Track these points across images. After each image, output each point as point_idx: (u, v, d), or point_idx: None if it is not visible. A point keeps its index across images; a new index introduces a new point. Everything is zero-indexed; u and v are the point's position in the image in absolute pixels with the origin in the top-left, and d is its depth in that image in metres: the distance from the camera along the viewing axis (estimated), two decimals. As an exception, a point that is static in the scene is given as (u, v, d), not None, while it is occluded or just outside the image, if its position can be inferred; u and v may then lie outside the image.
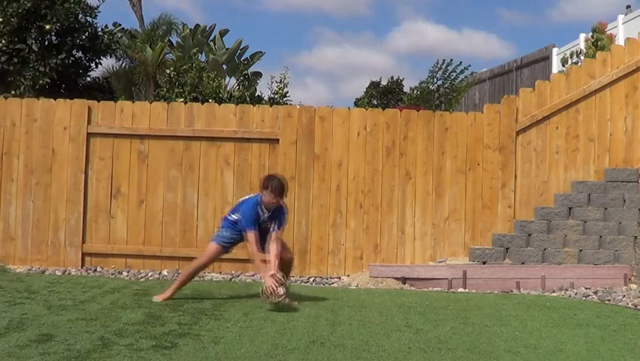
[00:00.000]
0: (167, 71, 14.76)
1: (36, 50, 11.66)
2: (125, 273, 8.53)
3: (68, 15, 11.89)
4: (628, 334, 5.61)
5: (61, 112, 8.95)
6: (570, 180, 8.76)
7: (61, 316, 5.65)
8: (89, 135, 8.88)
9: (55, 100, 9.12)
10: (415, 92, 17.79)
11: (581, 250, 8.39)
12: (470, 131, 8.83)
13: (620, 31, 14.89)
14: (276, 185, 6.58)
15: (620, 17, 15.54)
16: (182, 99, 12.53)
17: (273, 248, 6.49)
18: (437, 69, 16.88)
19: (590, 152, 8.83)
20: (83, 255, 8.78)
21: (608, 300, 7.34)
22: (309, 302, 6.71)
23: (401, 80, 24.00)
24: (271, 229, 6.62)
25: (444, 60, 16.95)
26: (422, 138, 8.83)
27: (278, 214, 6.69)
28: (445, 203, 8.78)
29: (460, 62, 17.03)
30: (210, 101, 12.46)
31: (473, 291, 7.95)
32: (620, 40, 12.86)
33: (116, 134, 8.88)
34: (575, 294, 7.75)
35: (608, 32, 14.19)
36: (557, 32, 63.79)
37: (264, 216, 6.64)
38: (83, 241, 8.79)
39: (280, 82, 15.41)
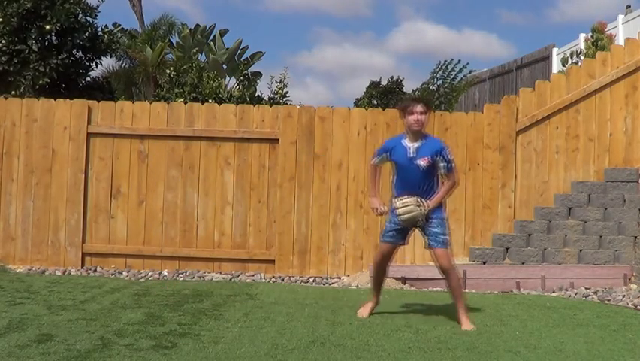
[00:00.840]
0: (167, 71, 14.76)
1: (36, 50, 11.64)
2: (125, 273, 8.54)
3: (68, 15, 11.88)
4: (628, 334, 5.61)
5: (61, 112, 8.96)
6: (570, 180, 8.77)
7: (61, 316, 5.65)
8: (89, 135, 8.89)
9: (55, 100, 9.12)
10: (416, 93, 17.80)
11: (581, 250, 8.40)
12: (470, 131, 8.84)
13: (620, 31, 14.89)
14: (409, 97, 5.76)
15: (620, 17, 15.54)
16: (181, 99, 12.53)
17: (444, 187, 5.79)
18: (438, 70, 16.92)
19: (590, 152, 8.84)
20: (83, 255, 8.79)
21: (608, 300, 7.35)
22: (309, 302, 6.71)
23: (401, 80, 23.96)
24: (441, 169, 5.72)
25: (445, 60, 17.00)
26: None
27: (433, 150, 5.69)
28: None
29: (459, 61, 17.08)
30: (210, 101, 12.45)
31: (473, 291, 7.96)
32: (620, 41, 12.86)
33: (116, 134, 8.88)
34: (575, 294, 7.75)
35: (608, 32, 14.20)
36: (558, 32, 63.77)
37: (411, 150, 5.68)
38: (83, 241, 8.80)
39: (280, 82, 15.41)
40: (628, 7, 16.78)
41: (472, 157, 8.81)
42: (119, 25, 22.02)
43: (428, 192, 5.73)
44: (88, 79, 13.45)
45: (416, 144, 5.71)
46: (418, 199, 5.67)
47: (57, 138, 8.90)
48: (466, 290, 8.00)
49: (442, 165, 5.71)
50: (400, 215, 5.69)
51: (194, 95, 13.26)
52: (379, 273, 6.10)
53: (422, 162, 5.65)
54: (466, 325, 5.62)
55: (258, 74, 21.73)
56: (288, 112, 8.97)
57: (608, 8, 45.85)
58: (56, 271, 8.47)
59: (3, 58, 11.58)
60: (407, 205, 5.66)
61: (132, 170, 8.88)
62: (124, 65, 22.10)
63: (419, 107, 5.70)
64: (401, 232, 5.88)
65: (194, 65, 14.63)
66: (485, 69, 21.17)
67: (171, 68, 14.90)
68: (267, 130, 8.86)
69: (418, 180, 5.70)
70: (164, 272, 8.60)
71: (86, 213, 8.83)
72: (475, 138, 8.82)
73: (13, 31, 11.69)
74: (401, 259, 8.71)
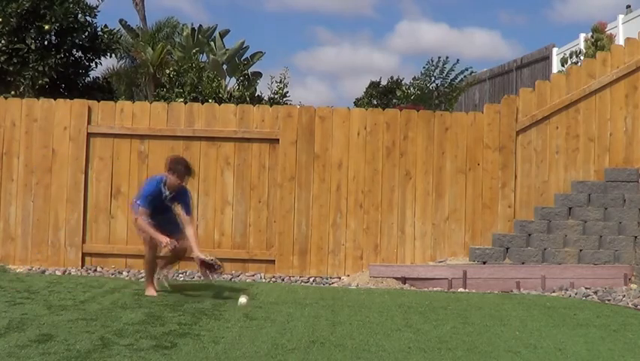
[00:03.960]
0: (167, 71, 14.76)
1: (34, 49, 11.60)
2: (125, 273, 8.52)
3: (67, 15, 11.85)
4: (628, 334, 5.61)
5: (62, 112, 8.93)
6: (570, 180, 8.76)
7: (61, 316, 5.65)
8: (89, 135, 8.85)
9: (55, 100, 9.10)
10: (413, 89, 17.64)
11: (581, 250, 8.39)
12: (470, 131, 8.82)
13: (620, 31, 14.89)
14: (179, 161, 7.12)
15: (620, 17, 15.53)
16: (181, 99, 12.52)
17: None
18: (433, 67, 16.76)
19: (590, 152, 8.83)
20: (83, 255, 8.76)
21: (608, 300, 7.34)
22: (309, 302, 6.71)
23: (401, 80, 23.97)
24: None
25: (439, 58, 16.80)
26: (422, 137, 8.83)
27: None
28: (445, 203, 8.78)
29: (458, 60, 16.99)
30: (210, 101, 12.46)
31: (474, 291, 7.95)
32: (620, 41, 12.85)
33: (116, 134, 8.86)
34: (575, 294, 7.75)
35: (608, 32, 14.20)
36: (558, 32, 63.76)
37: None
38: (83, 241, 8.78)
39: (280, 82, 15.40)
40: (628, 7, 16.79)
41: (472, 157, 8.79)
42: (125, 21, 22.02)
43: None
44: (88, 79, 13.41)
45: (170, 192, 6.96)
46: None
47: (57, 138, 8.87)
48: (466, 290, 8.01)
49: None
50: None
51: (193, 95, 13.26)
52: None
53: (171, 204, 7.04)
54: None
55: (258, 74, 21.69)
56: (288, 112, 8.96)
57: (608, 8, 45.84)
58: (56, 271, 8.44)
59: (2, 57, 11.55)
60: None
61: (132, 170, 8.86)
62: (125, 64, 22.10)
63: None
64: None
65: (194, 65, 14.62)
66: (485, 69, 21.18)
67: (171, 68, 14.90)
68: (266, 130, 8.84)
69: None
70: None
71: (86, 213, 8.81)
72: (475, 138, 8.80)
73: (13, 31, 11.66)
74: (401, 259, 8.71)
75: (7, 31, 11.63)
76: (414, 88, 17.37)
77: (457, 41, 56.74)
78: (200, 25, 22.79)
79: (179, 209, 6.97)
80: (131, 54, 21.85)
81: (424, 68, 16.91)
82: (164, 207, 6.92)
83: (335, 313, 6.18)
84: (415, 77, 17.39)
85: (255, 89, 17.72)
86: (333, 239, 8.71)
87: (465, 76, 17.15)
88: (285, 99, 15.39)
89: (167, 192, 6.92)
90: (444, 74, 16.73)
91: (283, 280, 8.44)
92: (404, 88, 18.34)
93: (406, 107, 11.49)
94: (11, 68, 11.61)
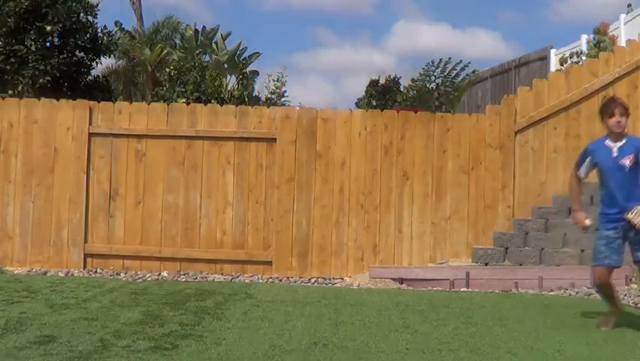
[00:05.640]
0: (168, 70, 14.58)
1: (34, 50, 11.39)
2: (122, 274, 8.52)
3: (70, 14, 11.65)
4: (629, 334, 5.60)
5: (64, 113, 8.91)
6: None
7: (63, 315, 5.64)
8: (90, 135, 8.84)
9: (57, 101, 9.06)
10: (412, 91, 17.43)
11: (582, 250, 8.36)
12: (472, 132, 8.84)
13: (622, 31, 14.83)
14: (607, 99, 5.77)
15: (622, 17, 15.46)
16: (184, 99, 12.44)
17: None
18: (434, 68, 16.58)
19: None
20: (85, 256, 8.77)
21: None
22: (310, 302, 6.72)
23: (398, 79, 23.87)
24: None
25: (441, 59, 16.70)
26: (421, 138, 8.84)
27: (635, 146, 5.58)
28: (447, 204, 8.80)
29: (460, 61, 16.83)
30: (213, 101, 12.43)
31: (476, 290, 7.94)
32: (622, 41, 12.83)
33: (116, 134, 8.85)
34: (576, 293, 7.75)
35: (610, 34, 14.15)
36: (559, 33, 63.68)
37: (614, 150, 5.58)
38: (85, 242, 8.77)
39: (277, 80, 15.10)
40: (629, 5, 16.72)
41: (474, 157, 8.82)
42: (121, 23, 22.00)
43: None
44: (89, 78, 13.36)
45: (619, 143, 5.54)
46: None
47: (60, 138, 8.86)
48: (469, 289, 7.99)
49: None
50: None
51: (197, 94, 13.13)
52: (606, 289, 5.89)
53: (626, 161, 5.48)
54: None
55: (255, 73, 21.76)
56: (286, 114, 8.98)
57: (608, 8, 45.82)
58: (59, 273, 8.42)
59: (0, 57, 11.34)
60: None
61: (130, 170, 8.84)
62: (122, 64, 22.06)
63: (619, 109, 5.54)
64: (615, 250, 5.71)
65: (196, 63, 14.47)
66: (487, 68, 21.07)
67: (171, 67, 14.74)
68: (264, 130, 8.84)
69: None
70: (164, 273, 8.61)
71: (88, 213, 8.81)
72: (478, 139, 8.82)
73: (10, 32, 11.36)
74: (398, 261, 8.71)
75: (5, 33, 11.33)
76: (412, 90, 17.11)
77: (457, 41, 56.63)
78: (204, 27, 22.82)
79: None
80: (131, 55, 21.82)
81: (422, 69, 16.70)
82: (615, 168, 5.53)
83: (337, 312, 6.17)
84: (413, 79, 17.11)
85: (253, 88, 17.67)
86: (336, 239, 8.73)
87: (467, 74, 16.92)
88: (283, 99, 15.18)
89: (615, 145, 5.50)
90: (445, 73, 16.48)
91: (282, 280, 8.45)
92: (404, 91, 18.06)
93: (403, 109, 11.50)
94: (9, 67, 11.36)
